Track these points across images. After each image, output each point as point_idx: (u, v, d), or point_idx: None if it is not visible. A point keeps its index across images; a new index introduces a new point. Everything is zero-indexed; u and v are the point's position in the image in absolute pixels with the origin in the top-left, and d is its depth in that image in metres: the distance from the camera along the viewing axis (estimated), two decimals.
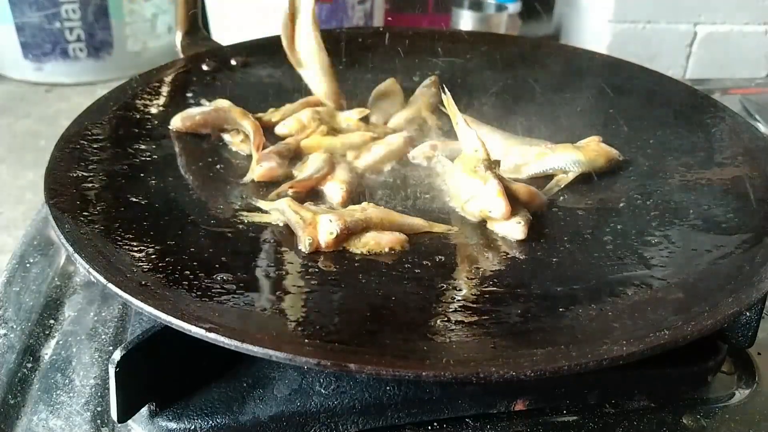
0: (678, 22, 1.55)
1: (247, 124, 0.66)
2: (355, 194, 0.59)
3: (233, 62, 0.81)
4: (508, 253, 0.53)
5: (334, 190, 0.59)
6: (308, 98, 0.73)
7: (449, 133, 0.70)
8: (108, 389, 0.49)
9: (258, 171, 0.61)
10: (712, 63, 1.57)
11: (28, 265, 0.64)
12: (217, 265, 0.49)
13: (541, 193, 0.59)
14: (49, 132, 1.56)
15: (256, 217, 0.56)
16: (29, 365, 0.53)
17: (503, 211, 0.53)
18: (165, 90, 0.74)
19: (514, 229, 0.54)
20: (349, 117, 0.71)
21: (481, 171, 0.56)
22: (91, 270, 0.45)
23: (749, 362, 0.54)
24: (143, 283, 0.45)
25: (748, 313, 0.49)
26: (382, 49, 0.86)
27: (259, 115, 0.70)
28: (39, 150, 1.48)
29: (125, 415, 0.44)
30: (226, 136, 0.67)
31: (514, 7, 1.64)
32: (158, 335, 0.44)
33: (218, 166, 0.64)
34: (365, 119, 0.71)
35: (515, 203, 0.54)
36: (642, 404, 0.50)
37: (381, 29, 0.96)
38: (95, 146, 0.62)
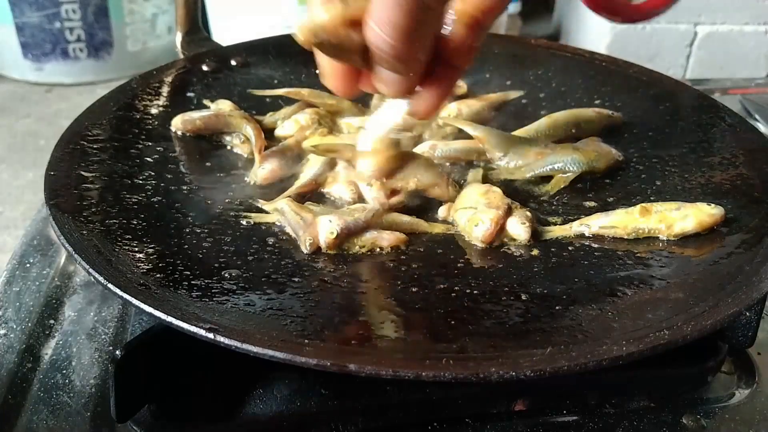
0: (678, 22, 1.55)
1: (248, 127, 0.66)
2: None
3: (233, 62, 0.81)
4: (508, 253, 0.53)
5: (344, 191, 0.59)
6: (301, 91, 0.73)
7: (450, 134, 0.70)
8: (108, 389, 0.49)
9: (261, 173, 0.61)
10: (712, 63, 1.58)
11: (28, 265, 0.64)
12: (217, 265, 0.49)
13: None
14: (49, 132, 1.56)
15: (257, 218, 0.56)
16: (29, 365, 0.53)
17: (486, 234, 0.53)
18: (165, 90, 0.74)
19: (518, 230, 0.54)
20: (350, 123, 0.71)
21: (496, 197, 0.56)
22: (91, 270, 0.45)
23: (749, 362, 0.54)
24: (143, 283, 0.45)
25: (748, 313, 0.49)
26: None
27: (259, 117, 0.70)
28: (39, 150, 1.49)
29: (125, 415, 0.44)
30: (227, 137, 0.67)
31: (514, 7, 1.64)
32: (158, 335, 0.44)
33: (218, 167, 0.64)
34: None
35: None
36: (642, 404, 0.50)
37: None
38: (95, 146, 0.62)
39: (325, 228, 0.52)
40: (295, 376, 0.48)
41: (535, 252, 0.53)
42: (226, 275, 0.48)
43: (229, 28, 1.40)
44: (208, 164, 0.64)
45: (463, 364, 0.39)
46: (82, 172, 0.57)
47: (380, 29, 0.38)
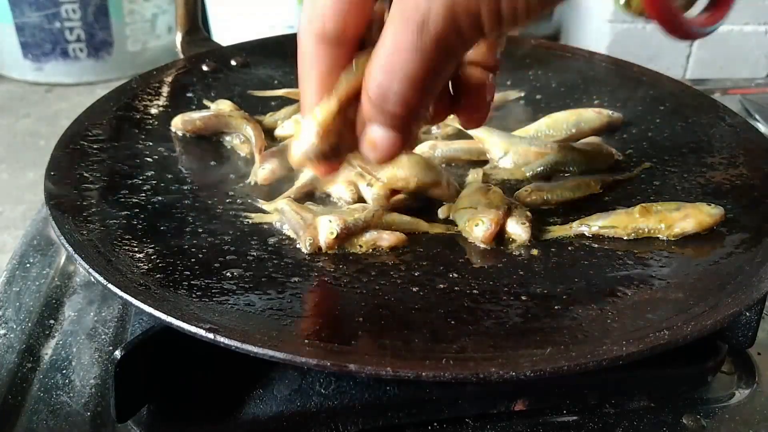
0: None
1: (248, 127, 0.66)
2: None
3: (233, 62, 0.81)
4: (508, 253, 0.53)
5: (344, 191, 0.59)
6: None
7: (450, 134, 0.70)
8: (108, 389, 0.49)
9: (261, 174, 0.61)
10: (712, 63, 1.57)
11: (28, 265, 0.64)
12: (217, 265, 0.49)
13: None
14: (49, 132, 1.56)
15: (257, 218, 0.56)
16: (29, 365, 0.53)
17: (486, 234, 0.53)
18: (165, 90, 0.74)
19: (518, 230, 0.54)
20: None
21: (496, 197, 0.56)
22: (91, 270, 0.45)
23: (749, 362, 0.54)
24: (143, 283, 0.45)
25: (748, 313, 0.49)
26: None
27: (259, 117, 0.70)
28: (39, 150, 1.49)
29: (125, 415, 0.44)
30: (227, 137, 0.67)
31: None
32: (158, 335, 0.44)
33: (218, 167, 0.64)
34: None
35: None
36: (642, 404, 0.50)
37: None
38: (95, 146, 0.62)
39: (325, 228, 0.52)
40: (295, 376, 0.48)
41: (535, 252, 0.53)
42: (227, 275, 0.48)
43: (229, 28, 1.40)
44: (208, 164, 0.64)
45: (463, 364, 0.39)
46: (82, 172, 0.57)
47: (387, 79, 0.35)
